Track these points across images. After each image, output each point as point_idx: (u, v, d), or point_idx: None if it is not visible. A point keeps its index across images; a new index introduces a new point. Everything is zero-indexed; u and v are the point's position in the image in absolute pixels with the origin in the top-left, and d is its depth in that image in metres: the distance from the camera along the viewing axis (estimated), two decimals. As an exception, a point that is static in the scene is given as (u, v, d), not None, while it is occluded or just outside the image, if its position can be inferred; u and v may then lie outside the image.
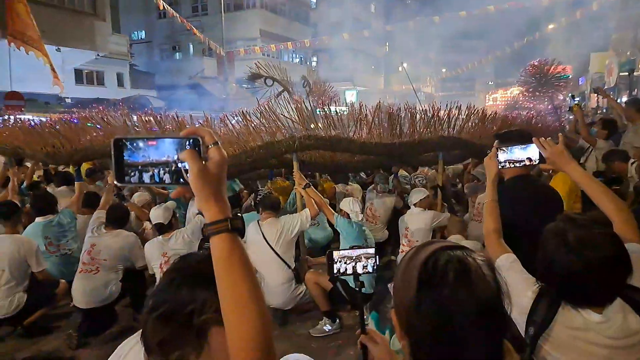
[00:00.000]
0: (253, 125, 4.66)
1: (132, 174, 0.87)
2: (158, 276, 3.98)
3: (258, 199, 5.14)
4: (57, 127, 5.03)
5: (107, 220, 4.26)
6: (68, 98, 18.58)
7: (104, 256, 4.06)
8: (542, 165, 1.98)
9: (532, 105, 13.52)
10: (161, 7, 19.26)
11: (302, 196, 4.59)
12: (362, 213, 4.65)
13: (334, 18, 33.45)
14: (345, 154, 5.44)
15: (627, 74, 16.29)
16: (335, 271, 1.49)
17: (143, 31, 30.74)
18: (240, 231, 0.92)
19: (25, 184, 6.46)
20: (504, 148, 2.02)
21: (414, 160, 6.32)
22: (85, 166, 6.19)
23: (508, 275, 1.65)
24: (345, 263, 1.51)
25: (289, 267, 4.28)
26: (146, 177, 0.88)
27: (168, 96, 24.21)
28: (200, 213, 4.30)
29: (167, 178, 0.89)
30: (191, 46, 29.28)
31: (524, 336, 1.57)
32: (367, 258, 1.52)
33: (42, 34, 12.32)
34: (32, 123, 5.58)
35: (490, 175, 2.08)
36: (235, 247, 0.88)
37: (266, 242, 4.26)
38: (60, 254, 4.57)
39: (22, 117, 7.00)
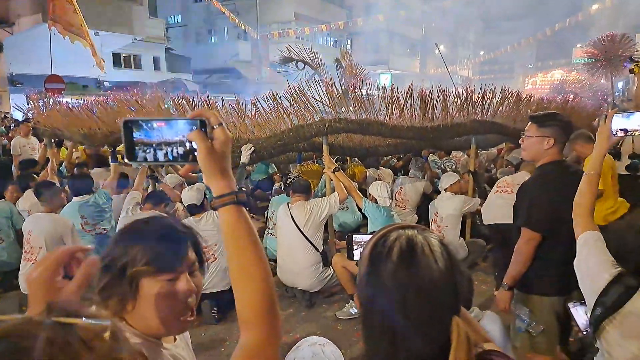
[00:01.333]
0: (283, 108, 4.65)
1: (147, 151, 0.94)
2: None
3: (288, 182, 5.16)
4: (94, 109, 5.17)
5: (147, 199, 4.39)
6: (106, 81, 19.09)
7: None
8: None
9: (579, 87, 12.79)
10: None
11: (332, 180, 4.57)
12: (390, 198, 4.60)
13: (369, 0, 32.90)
14: (376, 138, 5.38)
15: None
16: (354, 255, 1.51)
17: (179, 15, 31.07)
18: (246, 204, 1.00)
19: (64, 164, 6.70)
20: (619, 114, 1.90)
21: (445, 144, 6.19)
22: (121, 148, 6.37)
23: (590, 252, 1.66)
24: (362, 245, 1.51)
25: (317, 250, 4.29)
26: (160, 155, 0.95)
27: (203, 80, 24.53)
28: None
29: (177, 156, 0.96)
30: (226, 30, 29.40)
31: (589, 312, 1.61)
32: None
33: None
34: (70, 105, 5.74)
35: (602, 144, 1.89)
36: (241, 217, 0.96)
37: (295, 224, 4.28)
38: (95, 233, 4.73)
39: (62, 99, 7.22)
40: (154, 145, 0.94)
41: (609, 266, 1.58)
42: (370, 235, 1.53)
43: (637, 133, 1.93)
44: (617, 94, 15.02)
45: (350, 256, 1.53)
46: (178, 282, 1.09)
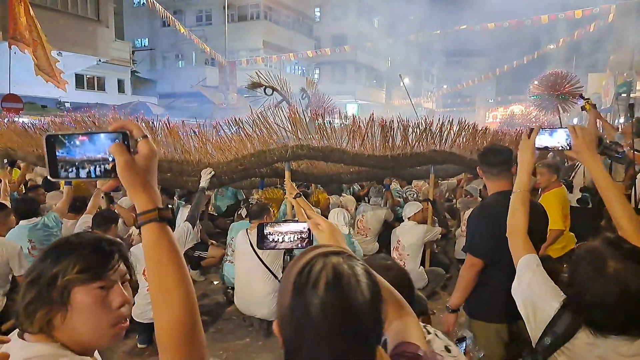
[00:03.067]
0: (246, 133, 4.65)
1: (70, 169, 0.91)
2: (140, 283, 3.93)
3: (250, 207, 5.12)
4: (50, 130, 5.02)
5: (94, 224, 4.21)
6: (67, 102, 18.60)
7: (88, 260, 4.00)
8: (566, 152, 1.83)
9: (533, 121, 13.34)
10: (164, 17, 19.38)
11: (293, 206, 4.55)
12: (349, 226, 4.63)
13: (337, 31, 33.72)
14: (338, 165, 5.43)
15: (626, 95, 16.36)
16: (264, 244, 1.55)
17: (147, 38, 30.91)
18: (170, 221, 0.96)
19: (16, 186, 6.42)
20: (543, 130, 1.86)
21: (406, 173, 6.30)
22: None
23: (534, 278, 1.60)
24: (277, 235, 1.55)
25: (276, 277, 4.23)
26: (82, 173, 0.92)
27: (169, 104, 24.26)
28: (187, 220, 4.26)
29: (100, 173, 0.93)
30: (194, 55, 29.42)
31: (533, 344, 1.55)
32: (294, 233, 1.56)
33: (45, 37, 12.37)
34: (26, 125, 5.55)
35: (526, 160, 1.83)
36: (163, 235, 0.93)
37: (253, 250, 4.22)
38: (45, 258, 4.51)
39: (20, 119, 6.98)
40: (76, 163, 0.91)
41: (556, 293, 1.53)
42: (284, 224, 1.53)
43: (558, 149, 1.87)
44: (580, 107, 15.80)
45: (260, 245, 1.54)
46: (111, 290, 1.09)
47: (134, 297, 4.14)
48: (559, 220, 4.23)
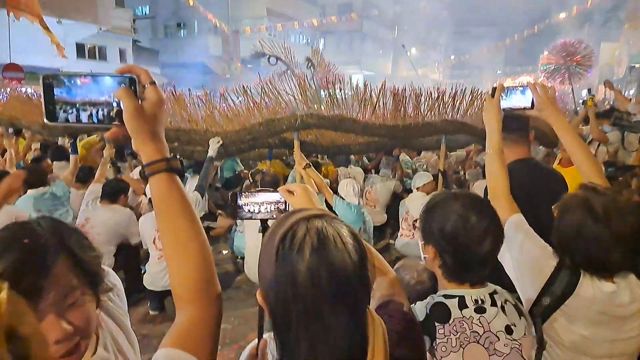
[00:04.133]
0: (253, 102, 4.55)
1: (70, 111, 0.85)
2: (151, 251, 3.92)
3: (256, 177, 5.06)
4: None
5: (103, 194, 4.18)
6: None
7: (98, 230, 3.99)
8: (528, 111, 1.82)
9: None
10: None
11: (302, 177, 4.49)
12: (360, 197, 4.57)
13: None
14: (347, 136, 5.34)
15: (637, 65, 16.03)
16: (240, 214, 1.49)
17: (147, 6, 30.31)
18: (179, 171, 0.91)
19: (21, 156, 6.38)
20: (502, 93, 1.82)
21: (416, 143, 6.21)
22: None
23: (525, 240, 1.56)
24: (252, 205, 1.50)
25: (286, 246, 4.21)
26: (83, 116, 0.85)
27: (172, 74, 24.01)
28: (196, 190, 4.22)
29: (103, 117, 0.86)
30: (196, 24, 28.88)
31: (527, 306, 1.51)
32: (270, 203, 1.50)
33: (42, 5, 12.10)
34: (30, 94, 5.46)
35: (492, 118, 1.79)
36: (174, 186, 0.87)
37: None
38: (53, 227, 4.49)
39: (22, 89, 6.88)
40: (77, 104, 0.84)
41: (551, 253, 1.52)
42: (260, 194, 1.47)
43: (522, 108, 1.84)
44: (580, 100, 15.56)
45: (234, 215, 1.48)
46: (41, 324, 0.82)
47: (144, 264, 4.15)
48: None
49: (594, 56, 13.03)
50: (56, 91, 0.83)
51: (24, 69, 13.60)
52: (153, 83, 0.86)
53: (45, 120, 0.85)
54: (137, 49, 24.69)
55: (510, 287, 1.57)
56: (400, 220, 5.30)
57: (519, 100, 1.83)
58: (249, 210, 1.51)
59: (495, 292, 1.35)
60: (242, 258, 4.72)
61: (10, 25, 12.29)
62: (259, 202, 1.50)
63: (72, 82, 0.84)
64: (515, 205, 1.67)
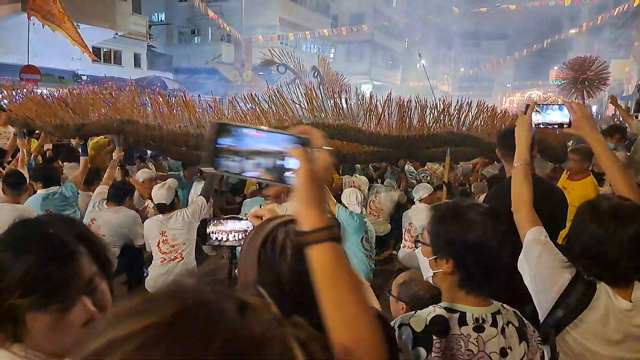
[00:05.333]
0: (261, 109, 4.64)
1: (234, 159, 0.82)
2: (154, 254, 3.99)
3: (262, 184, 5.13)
4: (68, 101, 5.05)
5: (109, 196, 4.27)
6: (84, 75, 18.72)
7: (103, 231, 4.07)
8: (565, 129, 1.87)
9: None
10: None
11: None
12: (362, 206, 4.61)
13: (354, 10, 33.21)
14: (352, 145, 5.41)
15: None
16: (210, 239, 1.51)
17: (163, 13, 30.79)
18: (341, 240, 0.86)
19: (32, 156, 6.51)
20: (537, 108, 1.88)
21: (421, 154, 6.25)
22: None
23: (543, 251, 1.58)
24: (220, 234, 1.53)
25: (288, 253, 4.26)
26: (248, 166, 0.83)
27: (184, 79, 24.30)
28: (202, 195, 4.29)
29: (265, 172, 0.84)
30: (210, 31, 29.28)
31: (542, 317, 1.54)
32: (238, 232, 1.53)
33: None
34: (45, 96, 5.59)
35: (522, 134, 1.85)
36: (339, 256, 0.81)
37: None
38: (60, 227, 4.58)
39: (37, 90, 7.04)
40: (242, 153, 0.82)
41: (567, 265, 1.54)
42: (229, 222, 1.51)
43: (556, 126, 1.89)
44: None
45: (204, 242, 1.52)
46: (73, 309, 0.88)
47: (147, 268, 4.22)
48: None
49: (608, 71, 12.92)
50: (221, 141, 0.82)
51: (41, 71, 13.88)
52: (325, 147, 0.84)
53: (202, 167, 0.84)
54: (151, 54, 25.05)
55: (526, 296, 1.60)
56: (403, 231, 5.33)
57: (555, 117, 1.88)
58: (216, 238, 1.53)
59: (498, 312, 1.34)
60: (245, 263, 4.79)
61: (30, 29, 12.56)
62: (227, 231, 1.52)
63: (242, 132, 0.83)
64: (536, 217, 1.69)
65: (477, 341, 1.27)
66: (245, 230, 1.52)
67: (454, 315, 1.30)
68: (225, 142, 0.81)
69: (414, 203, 5.57)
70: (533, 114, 1.87)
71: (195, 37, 30.61)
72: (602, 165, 1.84)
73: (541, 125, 1.89)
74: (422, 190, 5.30)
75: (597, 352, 1.44)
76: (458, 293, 1.34)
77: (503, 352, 1.28)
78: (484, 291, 1.33)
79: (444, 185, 5.48)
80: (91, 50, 20.36)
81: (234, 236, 1.54)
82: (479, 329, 1.29)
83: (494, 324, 1.30)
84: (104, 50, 21.89)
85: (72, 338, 0.87)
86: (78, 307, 0.88)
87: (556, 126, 1.90)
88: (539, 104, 1.90)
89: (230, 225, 1.54)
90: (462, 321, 1.30)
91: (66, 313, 0.87)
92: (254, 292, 0.52)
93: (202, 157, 0.82)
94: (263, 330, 0.46)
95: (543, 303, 1.55)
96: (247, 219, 1.42)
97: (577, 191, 4.23)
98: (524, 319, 1.39)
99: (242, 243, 1.46)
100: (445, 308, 1.32)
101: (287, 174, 0.81)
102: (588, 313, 1.44)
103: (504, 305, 1.38)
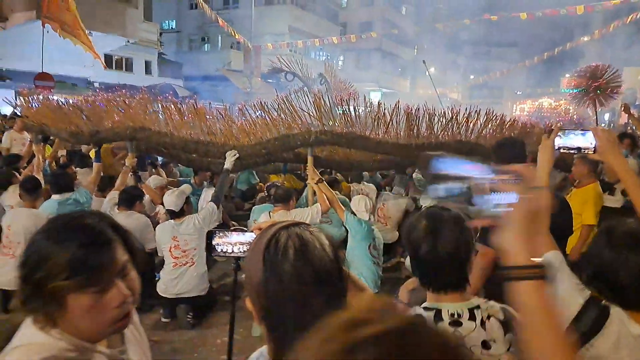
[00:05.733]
0: (270, 117, 4.71)
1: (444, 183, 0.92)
2: (166, 259, 4.06)
3: (272, 190, 5.19)
4: (82, 106, 5.17)
5: (120, 201, 4.35)
6: (96, 82, 18.99)
7: (115, 236, 4.14)
8: (590, 155, 1.89)
9: (559, 115, 13.02)
10: (192, -1, 19.51)
11: (315, 192, 4.61)
12: (371, 213, 4.64)
13: (363, 18, 33.39)
14: (361, 152, 5.45)
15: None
16: (214, 250, 1.54)
17: (174, 20, 31.18)
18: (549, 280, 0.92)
19: (47, 162, 6.63)
20: (561, 133, 1.91)
21: (430, 163, 6.27)
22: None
23: (557, 275, 1.57)
24: (225, 246, 1.55)
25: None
26: (455, 188, 0.92)
27: (194, 86, 24.54)
28: (212, 201, 4.35)
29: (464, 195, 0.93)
30: (220, 38, 29.57)
31: None
32: (243, 244, 1.56)
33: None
34: (60, 101, 5.71)
35: (545, 159, 1.87)
36: (546, 296, 0.85)
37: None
38: (75, 232, 4.67)
39: (53, 98, 7.18)
40: (456, 177, 0.92)
41: (580, 289, 1.52)
42: (234, 234, 1.54)
43: (582, 150, 1.91)
44: (602, 124, 15.41)
45: (209, 250, 1.56)
46: (109, 291, 0.98)
47: (159, 272, 4.29)
48: (592, 216, 4.15)
49: (620, 80, 12.80)
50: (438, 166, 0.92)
51: (54, 78, 14.12)
52: (544, 189, 0.92)
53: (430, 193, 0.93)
54: (162, 61, 25.34)
55: None
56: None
57: (578, 142, 1.91)
58: (221, 250, 1.57)
59: (477, 307, 1.39)
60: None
61: (44, 36, 12.79)
62: (232, 242, 1.56)
63: (454, 163, 0.93)
64: (553, 242, 1.70)
65: (453, 334, 1.30)
66: (249, 243, 1.55)
67: (430, 313, 1.37)
68: (440, 167, 0.92)
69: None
70: (556, 138, 1.89)
71: (205, 45, 30.91)
72: (629, 191, 1.82)
73: (563, 150, 1.92)
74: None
75: None
76: (428, 293, 1.42)
77: (485, 345, 1.33)
78: (431, 286, 1.41)
79: None
80: (103, 57, 20.73)
81: (239, 248, 1.58)
82: (455, 323, 1.34)
83: (472, 318, 1.35)
84: (116, 57, 22.18)
85: (108, 318, 0.98)
86: (114, 290, 0.98)
87: (579, 151, 1.93)
88: (563, 129, 1.93)
89: (235, 237, 1.58)
90: (438, 317, 1.35)
91: (104, 295, 0.97)
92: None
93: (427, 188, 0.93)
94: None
95: None
96: (252, 231, 1.49)
97: (578, 196, 4.23)
98: (512, 310, 1.40)
99: (244, 254, 1.53)
100: (424, 307, 1.40)
101: (495, 205, 0.86)
102: (600, 338, 1.43)
103: (489, 301, 1.42)
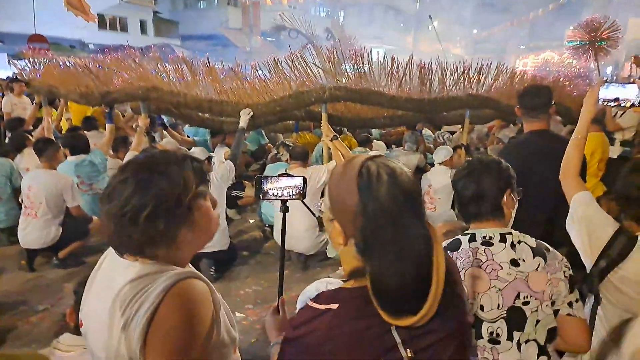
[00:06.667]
0: (283, 74, 4.67)
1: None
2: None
3: (288, 149, 5.21)
4: (90, 67, 5.10)
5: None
6: (91, 44, 18.62)
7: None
8: (636, 108, 2.03)
9: (564, 67, 12.97)
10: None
11: (329, 148, 4.64)
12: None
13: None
14: (373, 110, 5.45)
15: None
16: (262, 195, 1.67)
17: (168, -23, 30.20)
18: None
19: (54, 125, 6.61)
20: (603, 86, 2.01)
21: (440, 118, 6.28)
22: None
23: (588, 210, 1.77)
24: (276, 190, 1.69)
25: (314, 214, 4.39)
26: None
27: (191, 46, 24.05)
28: (229, 159, 4.39)
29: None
30: (216, -5, 28.73)
31: (588, 268, 1.73)
32: (292, 188, 1.70)
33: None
34: (67, 62, 5.63)
35: (587, 109, 2.01)
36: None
37: (293, 190, 4.36)
38: (92, 193, 4.74)
39: (60, 58, 7.06)
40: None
41: (611, 221, 1.72)
42: (283, 179, 1.66)
43: (628, 104, 2.03)
44: (606, 78, 15.32)
45: (257, 195, 1.67)
46: (210, 196, 1.19)
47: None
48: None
49: (619, 32, 12.80)
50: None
51: (48, 40, 13.83)
52: None
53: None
54: (157, 20, 24.74)
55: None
56: (422, 193, 5.43)
57: (623, 94, 2.04)
58: (273, 194, 1.70)
59: (509, 232, 1.56)
60: (270, 226, 4.93)
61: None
62: (282, 187, 1.70)
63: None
64: (582, 184, 1.91)
65: (485, 252, 1.52)
66: (296, 187, 1.71)
67: (465, 237, 1.59)
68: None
69: (432, 166, 5.64)
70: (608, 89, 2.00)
71: (201, 2, 30.05)
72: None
73: (605, 102, 2.00)
74: (441, 153, 5.35)
75: (634, 298, 1.62)
76: (469, 224, 1.65)
77: (514, 263, 1.50)
78: (467, 217, 1.64)
79: (462, 147, 5.54)
80: (96, 17, 20.18)
81: (288, 192, 1.71)
82: (486, 244, 1.54)
83: (503, 240, 1.54)
84: (109, 17, 21.65)
85: (215, 222, 1.19)
86: (210, 195, 1.19)
87: (628, 102, 2.04)
88: (607, 81, 1.99)
89: (284, 182, 1.70)
90: (472, 239, 1.57)
91: (209, 198, 1.17)
92: None
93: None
94: None
95: (589, 256, 1.72)
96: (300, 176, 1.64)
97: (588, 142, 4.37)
98: (549, 247, 1.56)
99: (292, 197, 1.67)
100: (463, 234, 1.62)
101: None
102: (627, 262, 1.62)
103: (521, 233, 1.59)
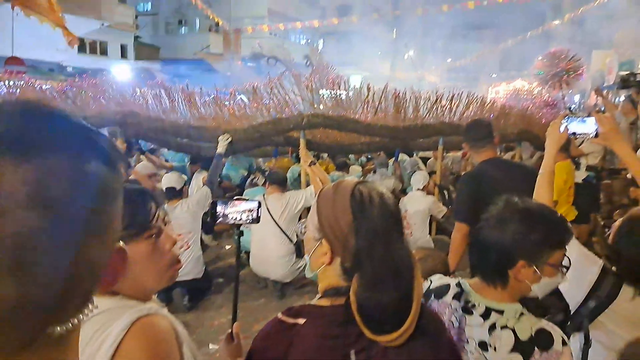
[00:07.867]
0: (262, 101, 4.75)
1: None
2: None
3: (265, 174, 5.26)
4: (68, 92, 5.09)
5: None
6: (70, 67, 18.48)
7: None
8: (593, 140, 2.03)
9: (534, 97, 13.59)
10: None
11: (307, 174, 4.70)
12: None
13: (341, 2, 33.11)
14: (351, 136, 5.56)
15: (628, 73, 16.32)
16: (216, 220, 1.70)
17: (149, 3, 30.38)
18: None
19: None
20: (564, 120, 2.03)
21: (415, 144, 6.44)
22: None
23: (570, 252, 1.56)
24: (234, 214, 1.71)
25: (291, 241, 4.41)
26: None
27: (172, 70, 24.07)
28: (206, 185, 4.40)
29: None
30: (197, 21, 28.97)
31: (573, 308, 1.67)
32: (248, 211, 1.72)
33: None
34: (43, 87, 5.59)
35: (554, 143, 1.98)
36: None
37: (270, 215, 4.39)
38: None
39: (37, 83, 6.97)
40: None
41: (595, 259, 1.65)
42: (242, 203, 1.69)
43: (588, 137, 2.07)
44: (573, 106, 16.06)
45: (212, 218, 1.70)
46: (161, 235, 1.13)
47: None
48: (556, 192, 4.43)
49: (582, 64, 13.76)
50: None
51: (26, 63, 13.67)
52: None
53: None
54: (138, 44, 24.76)
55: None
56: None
57: (581, 128, 2.07)
58: (232, 218, 1.71)
59: (500, 310, 1.34)
60: (246, 252, 4.93)
61: (14, 19, 12.34)
62: (240, 210, 1.71)
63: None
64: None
65: (459, 318, 1.37)
66: (251, 210, 1.73)
67: (453, 290, 1.43)
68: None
69: (406, 193, 5.75)
70: (569, 123, 2.03)
71: (183, 27, 30.24)
72: (632, 173, 1.91)
73: (570, 134, 2.06)
74: (420, 179, 5.46)
75: (625, 338, 1.55)
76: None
77: (482, 345, 1.31)
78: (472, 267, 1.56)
79: (435, 186, 5.70)
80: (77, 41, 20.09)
81: (247, 215, 1.73)
82: (466, 310, 1.37)
83: (485, 316, 1.34)
84: (89, 41, 21.56)
85: (165, 262, 1.14)
86: (164, 233, 1.15)
87: (583, 135, 2.08)
88: (568, 115, 2.09)
89: (244, 205, 1.72)
90: (458, 297, 1.41)
91: (158, 238, 1.12)
92: None
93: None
94: None
95: (574, 296, 1.67)
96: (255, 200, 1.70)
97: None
98: (561, 346, 1.27)
99: (247, 220, 1.71)
100: (456, 284, 1.45)
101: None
102: (618, 303, 1.58)
103: (538, 318, 1.35)
